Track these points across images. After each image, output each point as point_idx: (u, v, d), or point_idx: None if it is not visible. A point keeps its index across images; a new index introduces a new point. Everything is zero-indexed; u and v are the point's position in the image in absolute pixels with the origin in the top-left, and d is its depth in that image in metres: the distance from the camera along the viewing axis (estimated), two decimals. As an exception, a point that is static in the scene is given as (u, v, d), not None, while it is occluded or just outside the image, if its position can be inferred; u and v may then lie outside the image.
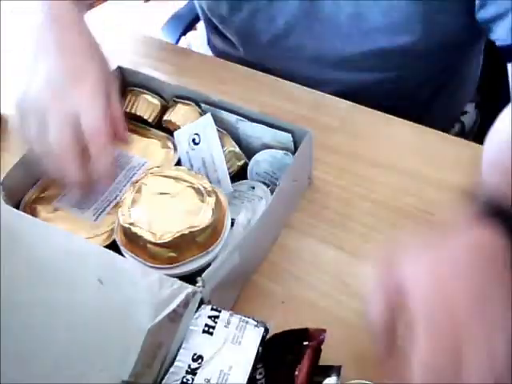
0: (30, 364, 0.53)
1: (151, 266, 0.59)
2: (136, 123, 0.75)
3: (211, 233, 0.61)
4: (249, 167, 0.71)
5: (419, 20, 0.77)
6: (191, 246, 0.60)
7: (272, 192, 0.67)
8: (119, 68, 0.78)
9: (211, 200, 0.61)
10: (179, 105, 0.74)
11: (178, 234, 0.58)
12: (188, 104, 0.74)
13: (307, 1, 0.81)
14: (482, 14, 0.74)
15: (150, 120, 0.75)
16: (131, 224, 0.59)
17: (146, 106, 0.76)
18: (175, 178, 0.63)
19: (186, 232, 0.58)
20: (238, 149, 0.71)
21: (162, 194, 0.62)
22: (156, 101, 0.76)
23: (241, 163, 0.71)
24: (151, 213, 0.60)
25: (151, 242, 0.58)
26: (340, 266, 0.68)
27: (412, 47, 0.81)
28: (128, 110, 0.76)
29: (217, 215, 0.61)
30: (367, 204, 0.73)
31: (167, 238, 0.58)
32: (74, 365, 0.52)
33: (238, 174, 0.72)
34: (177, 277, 0.55)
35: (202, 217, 0.60)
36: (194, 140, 0.70)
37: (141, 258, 0.59)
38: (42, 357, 0.53)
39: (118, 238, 0.62)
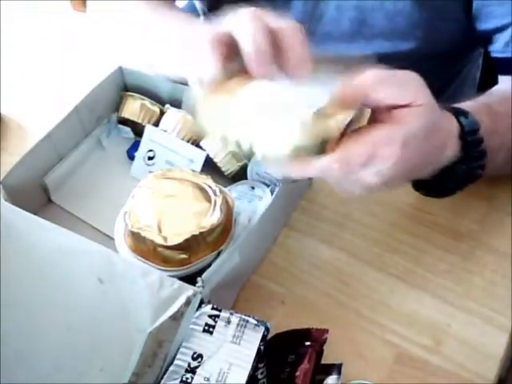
0: (30, 364, 0.53)
1: (163, 270, 0.59)
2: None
3: (221, 231, 0.61)
4: (249, 167, 0.71)
5: (422, 26, 0.78)
6: (202, 246, 0.60)
7: (272, 192, 0.67)
8: (120, 68, 0.78)
9: (218, 199, 0.61)
10: (171, 113, 0.75)
11: (189, 236, 0.58)
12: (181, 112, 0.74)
13: (310, 4, 0.81)
14: (480, 26, 0.75)
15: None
16: (140, 229, 0.59)
17: (144, 112, 0.76)
18: (180, 180, 0.63)
19: (197, 233, 0.58)
20: (238, 150, 0.71)
21: (168, 196, 0.62)
22: (155, 107, 0.76)
23: (241, 164, 0.72)
24: (159, 216, 0.60)
25: (162, 246, 0.58)
26: (340, 266, 0.68)
27: (414, 53, 0.81)
28: (125, 115, 0.77)
29: (225, 213, 0.61)
30: (367, 204, 0.73)
31: (178, 240, 0.58)
32: (74, 365, 0.52)
33: (238, 175, 0.72)
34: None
35: (211, 216, 0.60)
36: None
37: (152, 262, 0.59)
38: (42, 357, 0.53)
39: (128, 243, 0.61)
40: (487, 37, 0.75)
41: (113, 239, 0.63)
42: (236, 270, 0.61)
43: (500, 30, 0.73)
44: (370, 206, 0.72)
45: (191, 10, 1.07)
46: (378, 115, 0.53)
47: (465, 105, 0.62)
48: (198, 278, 0.56)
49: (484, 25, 0.75)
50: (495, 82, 0.74)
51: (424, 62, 0.83)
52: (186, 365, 0.51)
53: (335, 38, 0.83)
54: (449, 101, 0.96)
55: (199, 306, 0.53)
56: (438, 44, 0.80)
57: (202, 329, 0.52)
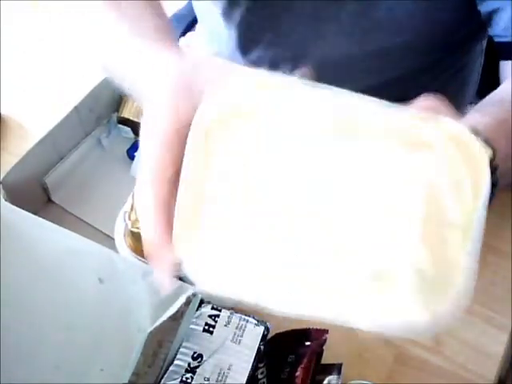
0: (30, 364, 0.53)
1: None
2: None
3: None
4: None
5: (422, 18, 0.77)
6: None
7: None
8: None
9: None
10: None
11: None
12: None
13: (310, 3, 0.81)
14: (483, 8, 0.74)
15: None
16: (140, 228, 0.59)
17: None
18: None
19: None
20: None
21: None
22: None
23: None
24: None
25: None
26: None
27: (413, 46, 0.81)
28: (125, 115, 0.77)
29: None
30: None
31: None
32: (74, 365, 0.52)
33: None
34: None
35: None
36: None
37: None
38: (42, 357, 0.53)
39: (127, 243, 0.61)
40: (488, 20, 0.74)
41: (113, 239, 0.63)
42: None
43: (497, 11, 0.72)
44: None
45: (190, 11, 1.08)
46: None
47: (481, 121, 0.59)
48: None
49: (484, 8, 0.74)
50: (497, 82, 0.74)
51: (423, 57, 0.83)
52: (186, 365, 0.51)
53: (334, 32, 0.83)
54: (449, 99, 0.96)
55: (199, 306, 0.53)
56: (438, 37, 0.80)
57: (201, 329, 0.52)
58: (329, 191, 0.34)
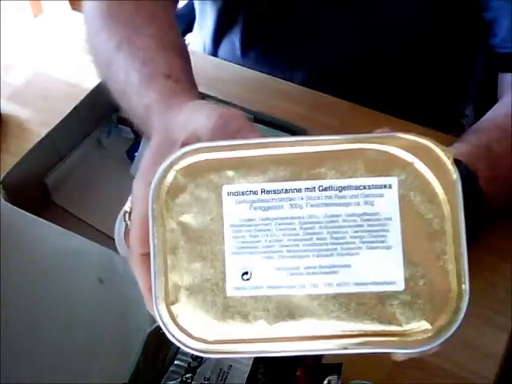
0: (29, 364, 0.53)
1: None
2: None
3: None
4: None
5: (421, 25, 0.78)
6: None
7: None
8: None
9: None
10: None
11: None
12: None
13: None
14: (485, 17, 0.74)
15: None
16: None
17: None
18: None
19: None
20: None
21: None
22: None
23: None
24: None
25: None
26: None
27: (412, 53, 0.81)
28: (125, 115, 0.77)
29: None
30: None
31: None
32: (74, 365, 0.52)
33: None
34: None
35: None
36: None
37: None
38: (42, 356, 0.53)
39: (127, 243, 0.61)
40: (488, 30, 0.74)
41: (113, 239, 0.63)
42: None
43: (496, 22, 0.72)
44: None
45: (190, 11, 1.08)
46: None
47: (460, 150, 0.58)
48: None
49: (485, 17, 0.74)
50: (497, 83, 0.74)
51: (421, 63, 0.83)
52: (186, 365, 0.51)
53: (331, 37, 0.83)
54: (449, 100, 0.96)
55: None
56: (436, 43, 0.80)
57: (201, 328, 0.52)
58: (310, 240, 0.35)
